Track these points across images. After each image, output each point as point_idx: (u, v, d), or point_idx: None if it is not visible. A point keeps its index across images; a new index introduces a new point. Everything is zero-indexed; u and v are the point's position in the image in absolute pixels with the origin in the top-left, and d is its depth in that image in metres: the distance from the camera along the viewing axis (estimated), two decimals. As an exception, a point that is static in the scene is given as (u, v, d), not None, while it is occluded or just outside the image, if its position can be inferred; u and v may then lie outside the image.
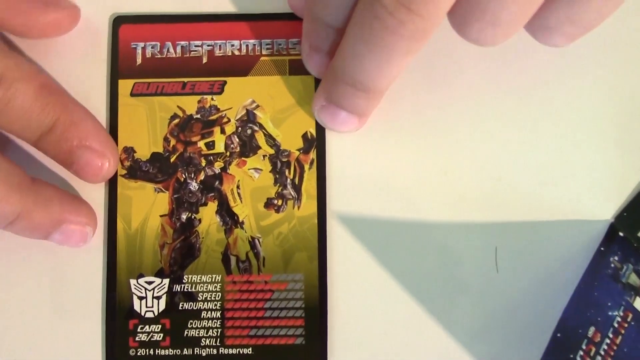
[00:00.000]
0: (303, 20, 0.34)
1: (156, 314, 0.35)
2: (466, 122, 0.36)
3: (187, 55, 0.36)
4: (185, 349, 0.34)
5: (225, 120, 0.36)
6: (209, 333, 0.35)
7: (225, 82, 0.36)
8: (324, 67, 0.34)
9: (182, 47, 0.36)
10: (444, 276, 0.35)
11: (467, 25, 0.30)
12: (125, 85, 0.36)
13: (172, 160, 0.36)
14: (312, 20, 0.33)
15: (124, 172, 0.36)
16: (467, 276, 0.35)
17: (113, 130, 0.36)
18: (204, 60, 0.36)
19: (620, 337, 0.32)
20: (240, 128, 0.36)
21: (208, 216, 0.35)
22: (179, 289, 0.35)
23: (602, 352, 0.32)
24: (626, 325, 0.32)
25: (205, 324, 0.35)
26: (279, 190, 0.35)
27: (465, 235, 0.35)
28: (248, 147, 0.36)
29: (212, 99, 0.36)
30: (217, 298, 0.35)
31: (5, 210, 0.31)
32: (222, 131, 0.36)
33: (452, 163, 0.35)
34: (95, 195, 0.37)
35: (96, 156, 0.34)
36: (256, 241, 0.35)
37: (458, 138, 0.36)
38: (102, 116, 0.37)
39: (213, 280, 0.35)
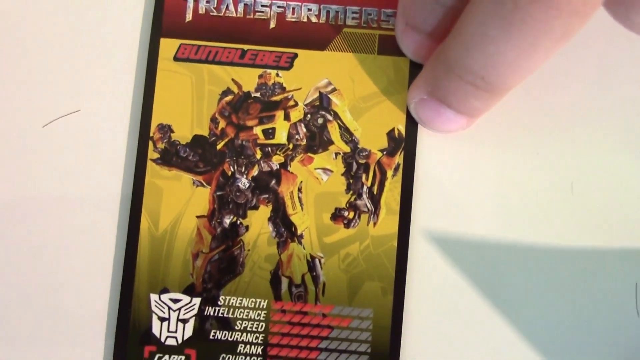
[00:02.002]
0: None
1: (180, 341, 0.26)
2: (595, 130, 0.27)
3: (251, 16, 0.28)
4: (212, 391, 0.26)
5: (291, 103, 0.27)
6: (245, 374, 0.26)
7: (295, 55, 0.27)
8: (423, 49, 0.26)
9: (245, 4, 0.28)
10: (569, 320, 0.26)
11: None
12: (168, 46, 0.27)
13: (218, 147, 0.27)
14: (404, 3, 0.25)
15: (156, 155, 0.27)
16: (599, 320, 0.26)
17: (147, 99, 0.27)
18: (272, 24, 0.27)
19: None
20: (309, 115, 0.27)
21: (258, 223, 0.27)
22: (212, 313, 0.26)
23: None
24: None
25: (242, 360, 0.26)
26: (352, 199, 0.26)
27: (596, 266, 0.26)
28: (317, 141, 0.27)
29: (278, 74, 0.27)
30: (259, 329, 0.26)
31: None
32: (287, 117, 0.27)
33: (582, 177, 0.27)
34: (114, 180, 0.28)
35: None
36: (316, 262, 0.26)
37: (585, 149, 0.27)
38: (132, 81, 0.29)
39: (257, 305, 0.26)
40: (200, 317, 0.27)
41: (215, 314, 0.27)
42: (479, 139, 0.28)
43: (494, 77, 0.23)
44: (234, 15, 0.29)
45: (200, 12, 0.29)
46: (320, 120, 0.28)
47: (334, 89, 0.28)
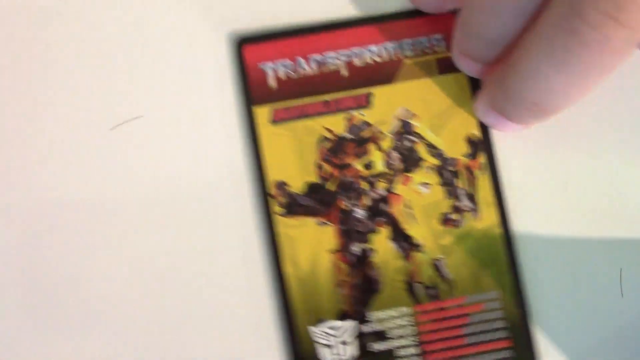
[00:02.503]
0: (455, 28, 0.31)
1: (346, 361, 0.30)
2: None
3: (324, 70, 0.32)
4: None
5: (379, 135, 0.32)
6: (409, 373, 0.30)
7: (370, 94, 0.32)
8: (478, 71, 0.30)
9: (317, 61, 0.32)
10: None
11: None
12: (262, 113, 0.32)
13: (330, 188, 0.31)
14: (467, 33, 0.30)
15: (281, 209, 0.31)
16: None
17: (258, 164, 0.32)
18: (344, 72, 0.32)
19: None
20: (397, 141, 0.32)
21: (382, 244, 0.31)
22: (366, 330, 0.31)
23: None
24: None
25: (404, 363, 0.31)
26: (453, 203, 0.31)
27: None
28: (410, 161, 0.32)
29: (361, 114, 0.32)
30: (410, 332, 0.31)
31: None
32: (379, 148, 0.32)
33: None
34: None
35: None
36: (440, 263, 0.31)
37: None
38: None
39: (402, 313, 0.31)
40: (357, 336, 0.32)
41: (370, 330, 0.32)
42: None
43: (547, 105, 0.28)
44: (310, 72, 0.33)
45: (281, 76, 0.33)
46: (407, 144, 0.33)
47: (412, 114, 0.33)
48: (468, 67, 0.31)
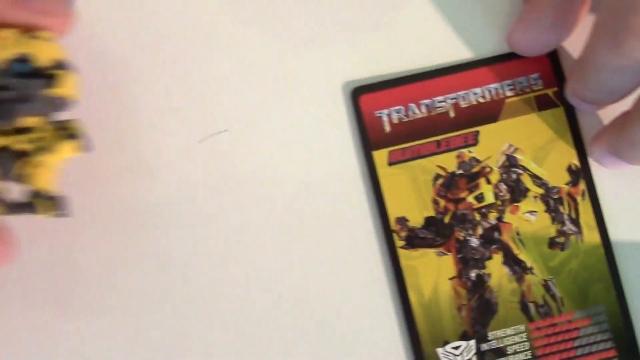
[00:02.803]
0: (571, 74, 0.34)
1: (470, 377, 0.34)
2: None
3: (433, 113, 0.36)
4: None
5: (487, 170, 0.35)
6: (528, 384, 0.34)
7: (477, 132, 0.36)
8: (591, 110, 0.34)
9: (426, 105, 0.36)
10: None
11: None
12: (380, 156, 0.36)
13: (446, 221, 0.35)
14: (584, 84, 0.33)
15: (403, 243, 0.35)
16: None
17: (379, 202, 0.36)
18: (451, 114, 0.36)
19: None
20: (504, 174, 0.35)
21: (496, 269, 0.35)
22: (486, 348, 0.35)
23: None
24: None
25: (522, 376, 0.34)
26: (559, 227, 0.35)
27: None
28: (517, 192, 0.35)
29: (470, 151, 0.36)
30: (526, 348, 0.35)
31: None
32: (488, 181, 0.36)
33: None
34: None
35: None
36: (549, 283, 0.35)
37: None
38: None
39: (517, 331, 0.35)
40: (479, 354, 0.36)
41: (489, 348, 0.36)
42: None
43: None
44: (421, 115, 0.37)
45: (395, 121, 0.37)
46: (513, 176, 0.36)
47: (516, 149, 0.37)
48: (580, 106, 0.35)
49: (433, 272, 0.35)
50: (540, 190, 0.35)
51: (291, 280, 0.37)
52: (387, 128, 0.36)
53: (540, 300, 0.35)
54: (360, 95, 0.36)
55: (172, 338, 0.36)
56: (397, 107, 0.36)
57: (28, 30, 0.31)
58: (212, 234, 0.37)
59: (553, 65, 0.36)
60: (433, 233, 0.35)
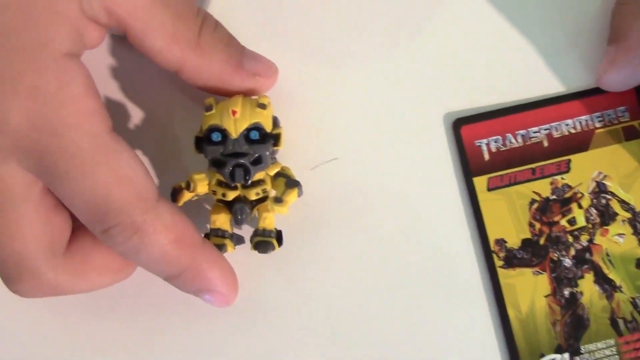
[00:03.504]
0: None
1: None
2: None
3: (528, 142, 0.39)
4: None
5: (579, 195, 0.39)
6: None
7: (569, 160, 0.39)
8: None
9: (522, 135, 0.39)
10: None
11: None
12: (480, 182, 0.39)
13: (541, 242, 0.38)
14: None
15: (501, 263, 0.38)
16: None
17: (480, 225, 0.39)
18: (545, 144, 0.39)
19: None
20: (595, 200, 0.39)
21: (587, 287, 0.38)
22: (579, 360, 0.38)
23: None
24: None
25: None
26: None
27: None
28: (606, 216, 0.39)
29: (562, 178, 0.39)
30: None
31: (173, 267, 0.32)
32: (579, 206, 0.39)
33: None
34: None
35: (219, 299, 0.34)
36: (637, 300, 0.38)
37: None
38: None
39: (608, 345, 0.38)
40: None
41: None
42: None
43: None
44: (517, 145, 0.40)
45: (493, 150, 0.40)
46: (603, 201, 0.40)
47: (605, 176, 0.40)
48: None
49: (529, 289, 0.38)
50: (628, 215, 0.39)
51: (395, 299, 0.40)
52: (486, 156, 0.39)
53: (629, 316, 0.38)
54: (461, 125, 0.39)
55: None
56: (495, 137, 0.39)
57: (248, 94, 0.36)
58: (317, 259, 0.40)
59: (639, 98, 0.39)
60: (529, 254, 0.38)
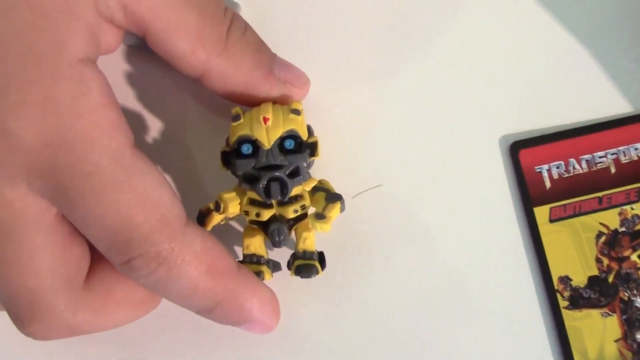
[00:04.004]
0: None
1: None
2: None
3: (594, 168, 0.35)
4: None
5: (653, 228, 0.34)
6: None
7: (639, 188, 0.34)
8: None
9: (586, 161, 0.35)
10: None
11: None
12: (541, 213, 0.35)
13: (610, 280, 0.34)
14: None
15: (566, 303, 0.34)
16: None
17: (541, 260, 0.36)
18: (612, 170, 0.35)
19: None
20: None
21: None
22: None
23: None
24: None
25: None
26: None
27: None
28: None
29: (632, 208, 0.35)
30: None
31: (206, 300, 0.29)
32: None
33: None
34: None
35: (260, 328, 0.32)
36: None
37: None
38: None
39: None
40: None
41: None
42: None
43: None
44: (581, 171, 0.36)
45: (555, 177, 0.36)
46: None
47: None
48: None
49: (598, 333, 0.34)
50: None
51: (445, 339, 0.36)
52: (548, 184, 0.35)
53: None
54: (520, 149, 0.35)
55: None
56: (557, 162, 0.35)
57: (277, 103, 0.32)
58: (362, 290, 0.36)
59: None
60: (597, 293, 0.34)
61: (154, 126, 0.36)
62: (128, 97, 0.37)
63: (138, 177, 0.27)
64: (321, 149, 0.33)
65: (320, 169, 0.35)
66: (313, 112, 0.36)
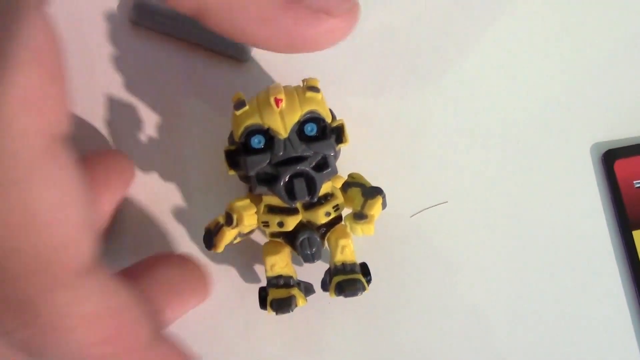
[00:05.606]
0: None
1: None
2: None
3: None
4: None
5: None
6: None
7: None
8: None
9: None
10: None
11: None
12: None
13: None
14: None
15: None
16: None
17: None
18: None
19: None
20: None
21: None
22: None
23: None
24: None
25: None
26: None
27: None
28: None
29: None
30: None
31: None
32: None
33: None
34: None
35: None
36: None
37: None
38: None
39: None
40: None
41: None
42: None
43: None
44: None
45: None
46: None
47: None
48: None
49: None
50: None
51: None
52: (647, 200, 0.28)
53: None
54: (615, 159, 0.29)
55: None
56: (656, 177, 0.28)
57: (307, 47, 0.21)
58: (430, 316, 0.30)
59: None
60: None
61: (144, 124, 0.30)
62: (113, 87, 0.30)
63: (36, 184, 0.17)
64: (352, 142, 0.26)
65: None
66: (370, 118, 0.30)
